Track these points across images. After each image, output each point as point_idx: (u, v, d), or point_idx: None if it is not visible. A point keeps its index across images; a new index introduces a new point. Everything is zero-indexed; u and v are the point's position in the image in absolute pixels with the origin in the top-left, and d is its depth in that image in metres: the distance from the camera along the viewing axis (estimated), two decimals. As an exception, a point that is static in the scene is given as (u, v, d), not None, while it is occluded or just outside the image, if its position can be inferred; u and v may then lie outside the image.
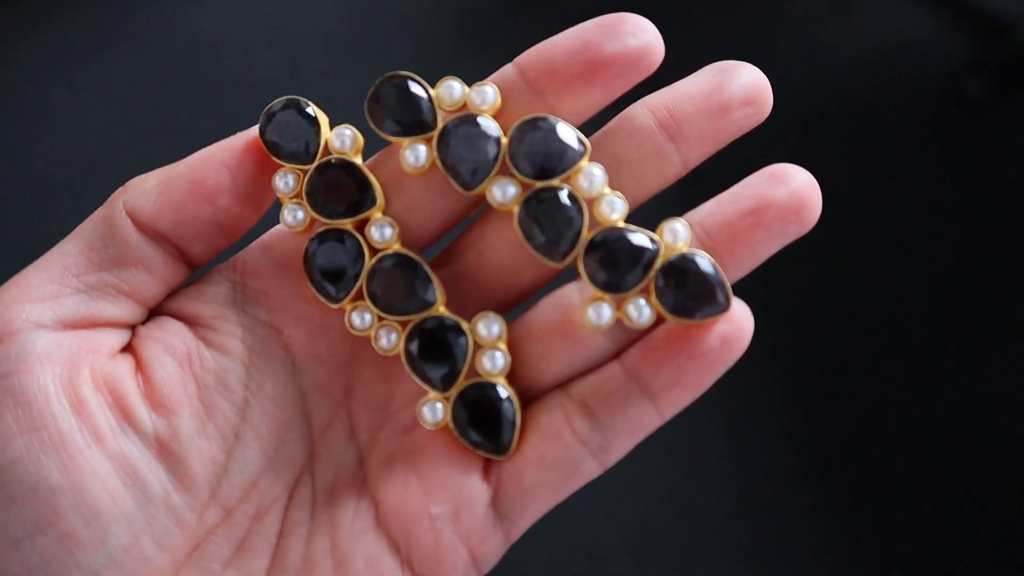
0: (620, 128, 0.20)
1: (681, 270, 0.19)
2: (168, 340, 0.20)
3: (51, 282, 0.19)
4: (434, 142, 0.20)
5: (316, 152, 0.20)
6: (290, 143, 0.20)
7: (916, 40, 0.89)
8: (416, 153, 0.20)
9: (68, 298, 0.19)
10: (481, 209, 0.21)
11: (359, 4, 0.90)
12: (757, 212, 0.18)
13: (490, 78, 0.20)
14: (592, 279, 0.19)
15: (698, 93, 0.19)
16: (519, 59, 0.20)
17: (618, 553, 0.61)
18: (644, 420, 0.19)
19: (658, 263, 0.19)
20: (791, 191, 0.18)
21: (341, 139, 0.20)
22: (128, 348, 0.20)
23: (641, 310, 0.19)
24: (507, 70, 0.20)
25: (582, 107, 0.19)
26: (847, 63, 0.88)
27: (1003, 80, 0.86)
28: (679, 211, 0.20)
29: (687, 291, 0.19)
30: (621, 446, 0.19)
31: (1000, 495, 0.61)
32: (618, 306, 0.19)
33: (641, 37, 0.19)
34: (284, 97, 0.20)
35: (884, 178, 0.79)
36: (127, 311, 0.20)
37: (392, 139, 0.20)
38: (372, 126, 0.20)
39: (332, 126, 0.21)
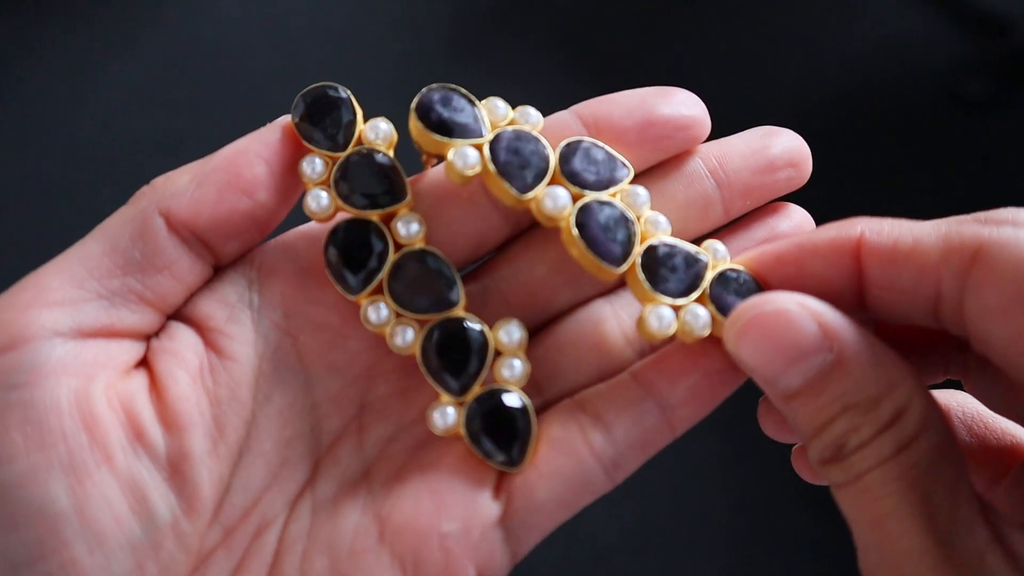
0: (671, 170, 0.21)
1: (733, 278, 0.19)
2: (181, 353, 0.19)
3: (71, 286, 0.18)
4: (486, 147, 0.20)
5: (349, 140, 0.20)
6: (323, 128, 0.20)
7: (916, 39, 0.90)
8: (464, 157, 0.19)
9: (88, 304, 0.18)
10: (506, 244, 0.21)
11: (358, 5, 0.89)
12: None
13: (545, 121, 0.20)
14: (651, 283, 0.19)
15: (747, 148, 0.20)
16: (577, 108, 0.20)
17: (618, 549, 0.61)
18: (657, 435, 0.19)
19: (709, 273, 0.19)
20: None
21: (375, 131, 0.20)
22: (142, 362, 0.19)
23: (697, 317, 0.19)
24: (563, 115, 0.20)
25: (631, 160, 0.20)
26: (847, 62, 0.88)
27: (1003, 80, 0.86)
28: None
29: (742, 296, 0.19)
30: (633, 461, 0.19)
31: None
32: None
33: (693, 108, 0.20)
34: (320, 83, 0.20)
35: (883, 176, 0.79)
36: (147, 320, 0.19)
37: (442, 139, 0.20)
38: (419, 130, 0.20)
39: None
